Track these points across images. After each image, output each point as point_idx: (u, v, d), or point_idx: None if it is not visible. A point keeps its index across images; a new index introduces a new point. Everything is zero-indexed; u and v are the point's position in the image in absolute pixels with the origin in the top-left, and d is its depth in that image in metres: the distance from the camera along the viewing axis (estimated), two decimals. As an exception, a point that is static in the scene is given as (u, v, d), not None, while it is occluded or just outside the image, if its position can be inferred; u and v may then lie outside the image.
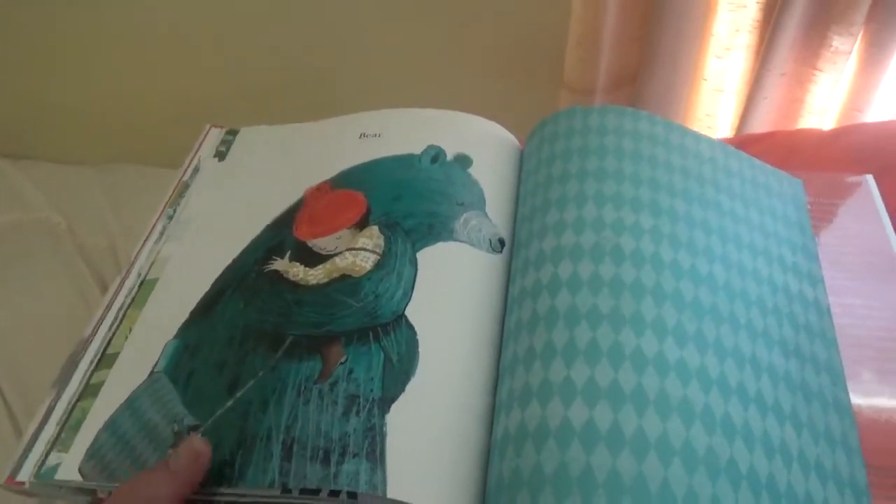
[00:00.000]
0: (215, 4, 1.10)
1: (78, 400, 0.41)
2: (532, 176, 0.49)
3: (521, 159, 0.53)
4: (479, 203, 0.48)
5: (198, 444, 0.36)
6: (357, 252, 0.45)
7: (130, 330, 0.44)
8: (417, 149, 0.51)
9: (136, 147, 1.19)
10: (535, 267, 0.42)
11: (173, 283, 0.47)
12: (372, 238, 0.45)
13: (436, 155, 0.51)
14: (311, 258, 0.45)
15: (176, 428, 0.38)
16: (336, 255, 0.45)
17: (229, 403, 0.39)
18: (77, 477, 0.38)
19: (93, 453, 0.39)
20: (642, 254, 0.41)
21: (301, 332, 0.41)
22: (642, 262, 0.41)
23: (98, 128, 1.25)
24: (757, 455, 0.35)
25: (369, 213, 0.47)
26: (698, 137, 0.51)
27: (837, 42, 0.88)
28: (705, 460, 0.34)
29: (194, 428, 0.38)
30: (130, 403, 0.40)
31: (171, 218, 0.51)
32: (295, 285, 0.44)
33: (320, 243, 0.46)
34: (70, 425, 0.40)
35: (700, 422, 0.35)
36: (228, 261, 0.47)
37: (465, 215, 0.47)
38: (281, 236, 0.48)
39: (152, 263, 0.48)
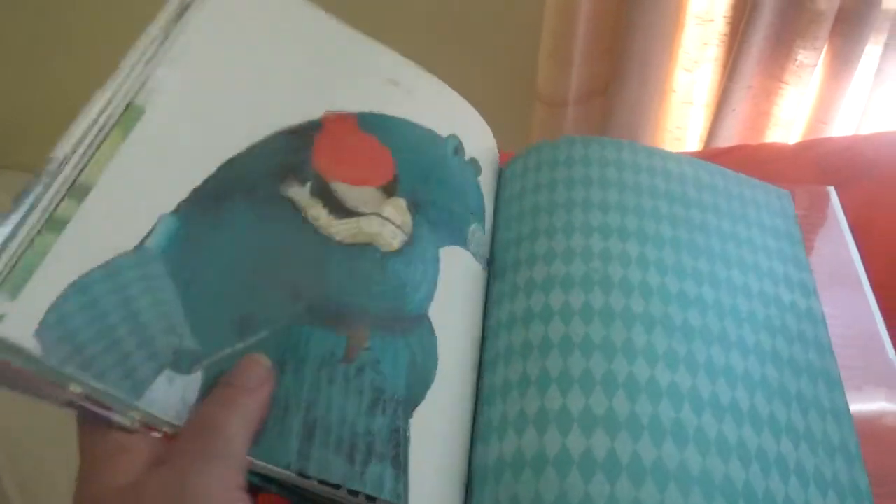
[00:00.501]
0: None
1: (38, 233, 0.29)
2: (516, 202, 0.49)
3: (500, 179, 0.52)
4: (481, 216, 0.46)
5: (265, 361, 0.31)
6: (384, 222, 0.39)
7: (109, 161, 0.33)
8: (441, 131, 0.46)
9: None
10: (525, 294, 0.43)
11: (166, 127, 0.35)
12: (399, 213, 0.40)
13: (457, 148, 0.47)
14: (332, 204, 0.38)
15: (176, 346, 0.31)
16: (361, 215, 0.38)
17: (239, 346, 0.32)
18: (29, 342, 0.27)
19: (57, 319, 0.28)
20: (631, 282, 0.42)
21: (326, 293, 0.36)
22: (631, 290, 0.42)
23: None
24: (753, 472, 0.36)
25: (397, 181, 0.41)
26: (680, 160, 0.52)
27: (802, 56, 0.90)
28: (700, 481, 0.35)
29: (195, 360, 0.31)
30: (110, 271, 0.30)
31: (163, 40, 0.37)
32: (314, 231, 0.37)
33: (344, 191, 0.39)
34: (22, 264, 0.28)
35: (694, 443, 0.36)
36: (233, 141, 0.37)
37: (473, 225, 0.44)
38: (299, 157, 0.39)
39: (142, 86, 0.35)
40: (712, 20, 0.92)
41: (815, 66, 0.91)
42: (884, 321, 0.49)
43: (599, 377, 0.38)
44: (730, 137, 0.99)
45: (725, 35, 0.92)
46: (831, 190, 0.61)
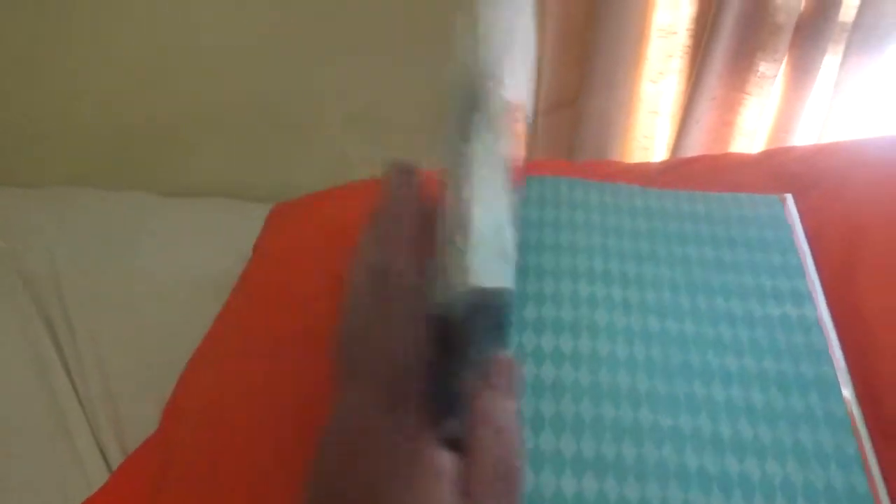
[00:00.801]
0: (167, 32, 1.10)
1: None
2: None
3: None
4: None
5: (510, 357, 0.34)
6: None
7: None
8: None
9: (84, 169, 1.19)
10: (517, 331, 0.46)
11: None
12: None
13: None
14: None
15: None
16: None
17: None
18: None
19: None
20: (615, 327, 0.46)
21: None
22: (615, 335, 0.45)
23: (44, 149, 1.24)
24: (735, 500, 0.39)
25: None
26: (661, 194, 0.55)
27: (763, 67, 0.93)
28: None
29: None
30: None
31: None
32: None
33: None
34: None
35: (675, 480, 0.39)
36: None
37: None
38: None
39: None
40: (676, 33, 0.95)
41: (776, 77, 0.94)
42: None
43: (589, 421, 0.41)
44: (695, 147, 1.02)
45: (689, 47, 0.95)
46: (789, 197, 0.63)
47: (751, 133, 0.99)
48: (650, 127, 1.05)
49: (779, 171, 0.69)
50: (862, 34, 0.88)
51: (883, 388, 0.46)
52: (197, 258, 0.92)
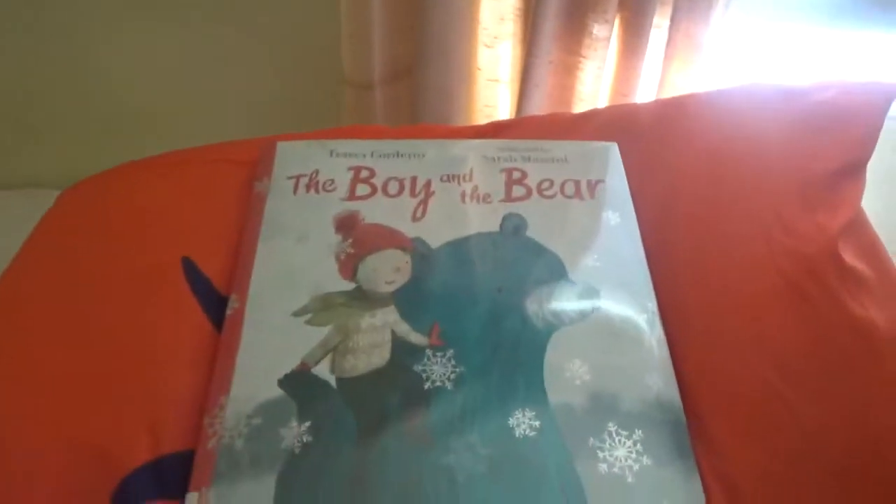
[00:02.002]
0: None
1: None
2: None
3: None
4: None
5: None
6: None
7: None
8: None
9: None
10: None
11: None
12: None
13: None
14: None
15: None
16: None
17: None
18: None
19: None
20: None
21: None
22: None
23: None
24: None
25: None
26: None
27: (596, 29, 0.91)
28: None
29: None
30: None
31: None
32: None
33: None
34: None
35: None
36: None
37: None
38: None
39: None
40: (506, -6, 0.91)
41: (609, 39, 0.92)
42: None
43: None
44: (538, 113, 0.99)
45: (520, 10, 0.92)
46: (614, 145, 0.62)
47: (590, 97, 0.98)
48: (491, 95, 1.02)
49: (600, 129, 0.67)
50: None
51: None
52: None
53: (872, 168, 0.58)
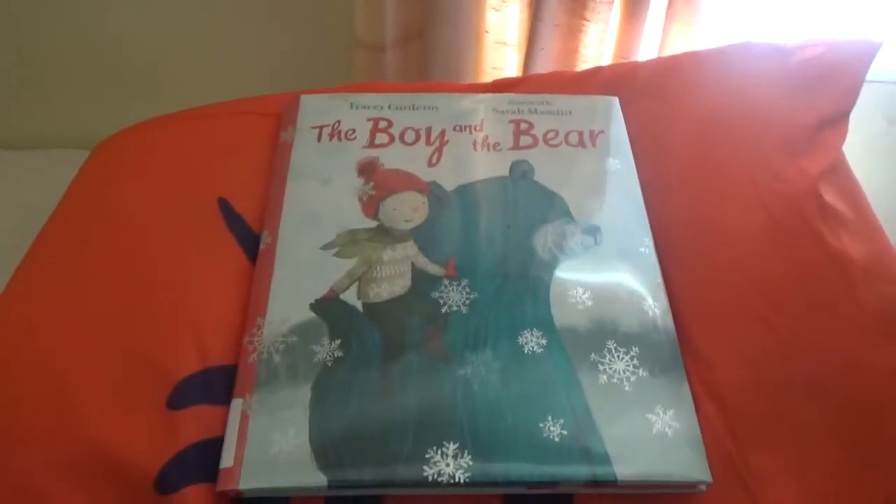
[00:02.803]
0: None
1: None
2: None
3: None
4: None
5: None
6: None
7: None
8: None
9: None
10: None
11: None
12: None
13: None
14: None
15: None
16: None
17: None
18: None
19: None
20: None
21: None
22: None
23: None
24: None
25: None
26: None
27: (600, -8, 0.95)
28: None
29: None
30: None
31: None
32: None
33: None
34: None
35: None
36: None
37: None
38: None
39: None
40: (513, -42, 0.95)
41: (612, 2, 0.96)
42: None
43: None
44: (543, 75, 1.03)
45: (527, -27, 0.96)
46: (615, 99, 0.67)
47: (594, 59, 1.02)
48: (499, 58, 1.06)
49: (603, 86, 0.72)
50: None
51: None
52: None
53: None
